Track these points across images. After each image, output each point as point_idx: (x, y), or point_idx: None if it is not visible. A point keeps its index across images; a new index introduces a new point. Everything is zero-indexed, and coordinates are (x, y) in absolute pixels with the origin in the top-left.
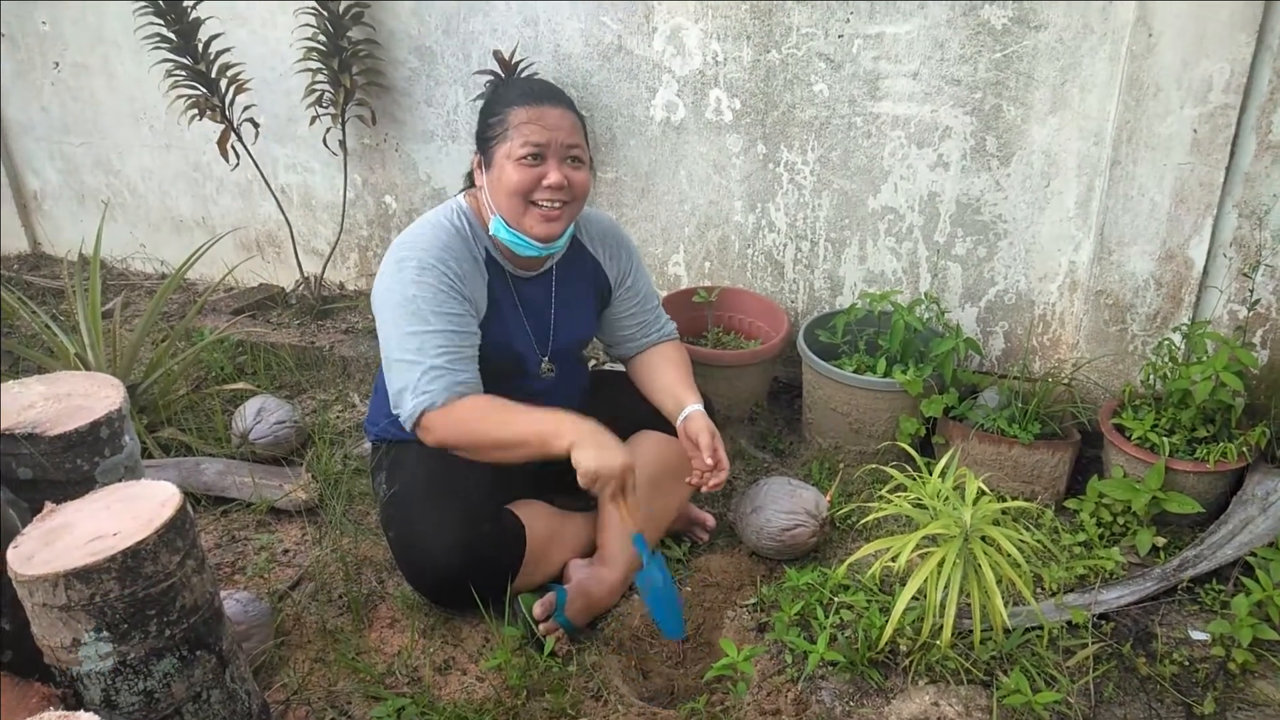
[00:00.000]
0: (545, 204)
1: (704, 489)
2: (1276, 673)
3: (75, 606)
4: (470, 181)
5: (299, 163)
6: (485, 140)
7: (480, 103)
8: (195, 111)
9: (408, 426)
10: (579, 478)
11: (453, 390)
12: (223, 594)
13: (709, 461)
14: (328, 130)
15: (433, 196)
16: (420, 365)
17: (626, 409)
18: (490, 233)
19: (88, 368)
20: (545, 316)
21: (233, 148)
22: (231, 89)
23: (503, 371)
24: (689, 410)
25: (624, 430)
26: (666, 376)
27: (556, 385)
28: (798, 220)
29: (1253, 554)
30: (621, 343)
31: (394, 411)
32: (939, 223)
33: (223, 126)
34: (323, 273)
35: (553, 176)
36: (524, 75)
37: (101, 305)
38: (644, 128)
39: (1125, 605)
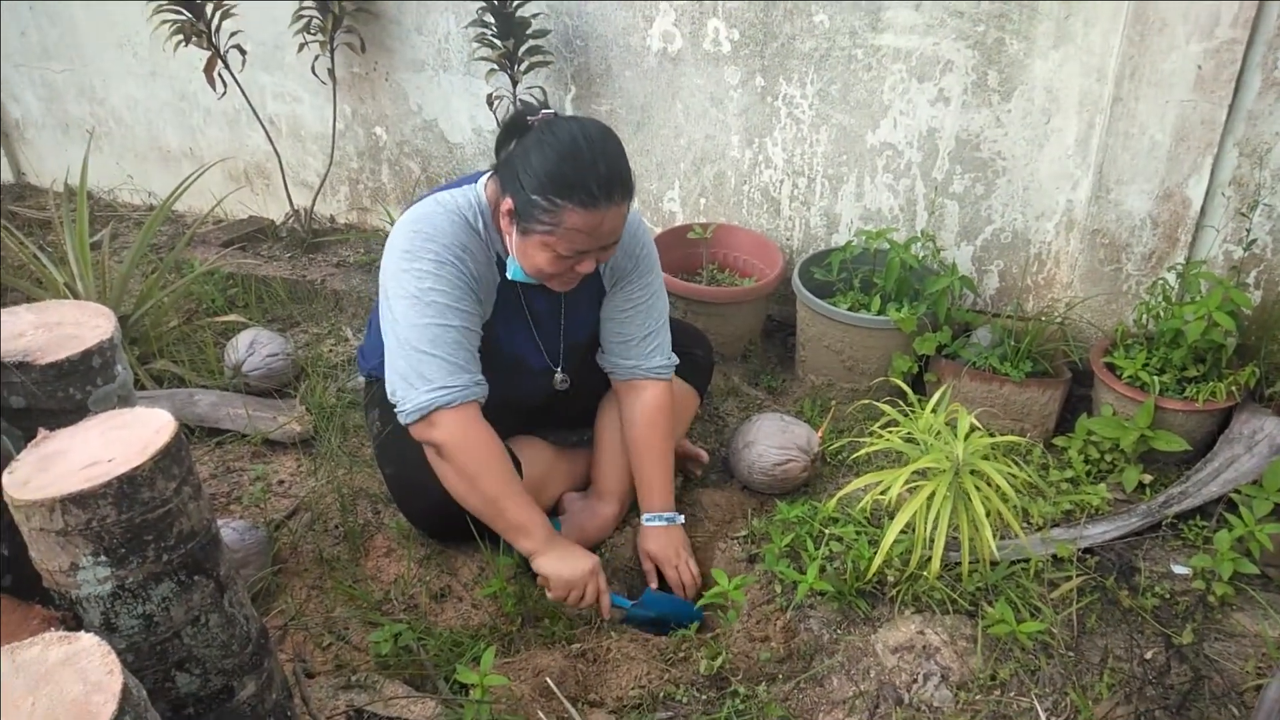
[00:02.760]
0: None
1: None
2: (1254, 605)
3: (72, 531)
4: (493, 169)
5: (287, 91)
6: (525, 210)
7: (472, 31)
8: (180, 37)
9: (410, 418)
10: (549, 591)
11: (471, 391)
12: (219, 522)
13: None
14: (316, 58)
15: (424, 129)
16: (436, 359)
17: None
18: (508, 275)
19: (77, 298)
20: (555, 325)
21: (219, 76)
22: (217, 14)
23: (509, 369)
24: (647, 524)
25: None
26: (637, 459)
27: (568, 388)
28: (795, 156)
29: (1236, 491)
30: (602, 352)
31: (390, 399)
32: (937, 159)
33: (209, 53)
34: (313, 205)
35: (586, 267)
36: (586, 134)
37: (89, 236)
38: (640, 58)
39: (1110, 540)
